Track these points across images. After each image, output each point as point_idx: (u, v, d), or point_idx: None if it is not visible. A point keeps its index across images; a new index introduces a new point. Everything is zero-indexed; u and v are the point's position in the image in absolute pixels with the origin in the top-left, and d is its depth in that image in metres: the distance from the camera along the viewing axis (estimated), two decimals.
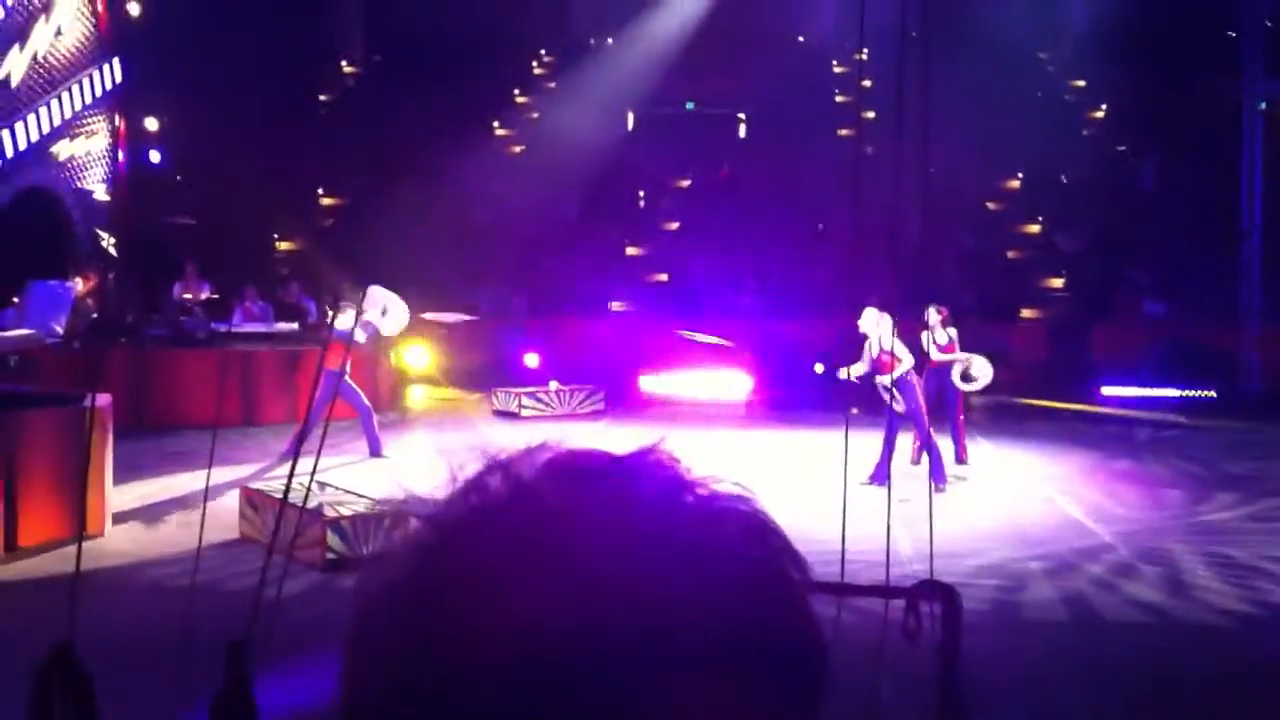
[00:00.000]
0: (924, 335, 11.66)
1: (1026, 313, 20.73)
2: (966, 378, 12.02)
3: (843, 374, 11.00)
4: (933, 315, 11.60)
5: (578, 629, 0.58)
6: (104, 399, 9.40)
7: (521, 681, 0.58)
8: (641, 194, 25.11)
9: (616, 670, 0.58)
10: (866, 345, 11.10)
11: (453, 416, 15.89)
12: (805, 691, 0.64)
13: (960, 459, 12.04)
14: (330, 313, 12.55)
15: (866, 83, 18.31)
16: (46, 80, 17.38)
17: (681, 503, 0.64)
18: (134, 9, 19.27)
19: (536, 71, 28.69)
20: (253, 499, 8.97)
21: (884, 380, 10.74)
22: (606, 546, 0.61)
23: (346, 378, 11.68)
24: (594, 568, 0.60)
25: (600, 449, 0.68)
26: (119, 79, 19.03)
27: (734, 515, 0.65)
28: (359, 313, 11.22)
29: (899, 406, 10.82)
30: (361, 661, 0.63)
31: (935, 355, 11.75)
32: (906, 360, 10.87)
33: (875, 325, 10.90)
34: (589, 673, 0.58)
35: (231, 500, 9.25)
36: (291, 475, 4.86)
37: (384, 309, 12.52)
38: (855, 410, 10.95)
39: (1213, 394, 16.32)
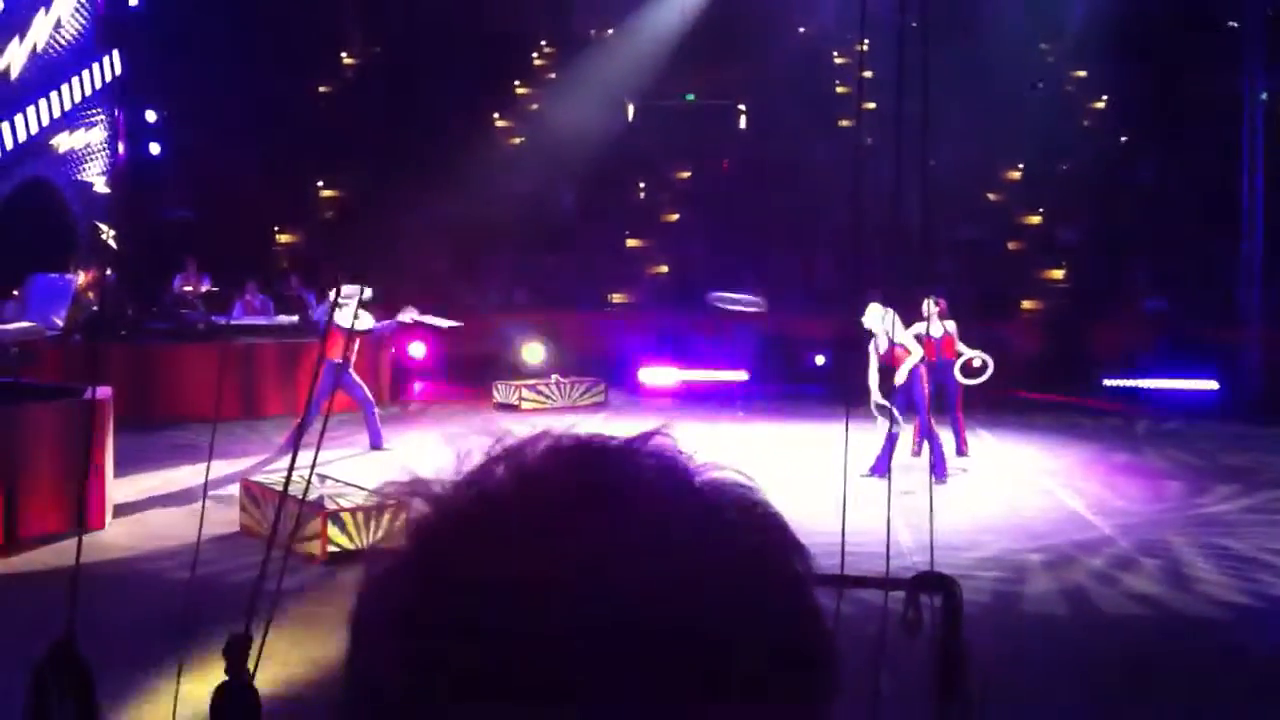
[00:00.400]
0: (920, 327, 11.64)
1: (1026, 304, 20.71)
2: (968, 372, 12.01)
3: (878, 396, 10.88)
4: (929, 307, 11.59)
5: (581, 617, 0.58)
6: (104, 392, 9.40)
7: (525, 668, 0.57)
8: (642, 185, 25.07)
9: (619, 659, 0.58)
10: (872, 344, 11.01)
11: (453, 409, 15.89)
12: (811, 683, 0.63)
13: (960, 451, 12.05)
14: (329, 304, 12.52)
15: (867, 73, 18.27)
16: (46, 72, 17.35)
17: (683, 491, 0.64)
18: (133, 1, 19.24)
19: (537, 63, 28.63)
20: (253, 492, 8.97)
21: (898, 378, 10.76)
22: (608, 535, 0.60)
23: (350, 370, 11.70)
24: (596, 556, 0.59)
25: (601, 436, 0.67)
26: (119, 71, 19.00)
27: (736, 504, 0.65)
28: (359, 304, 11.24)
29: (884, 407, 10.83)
30: (365, 648, 0.63)
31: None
32: (916, 353, 10.84)
33: (880, 320, 10.83)
34: (592, 660, 0.57)
35: (232, 493, 9.25)
36: (292, 468, 4.86)
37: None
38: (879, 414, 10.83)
39: (1215, 385, 16.32)
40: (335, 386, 10.94)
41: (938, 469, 10.47)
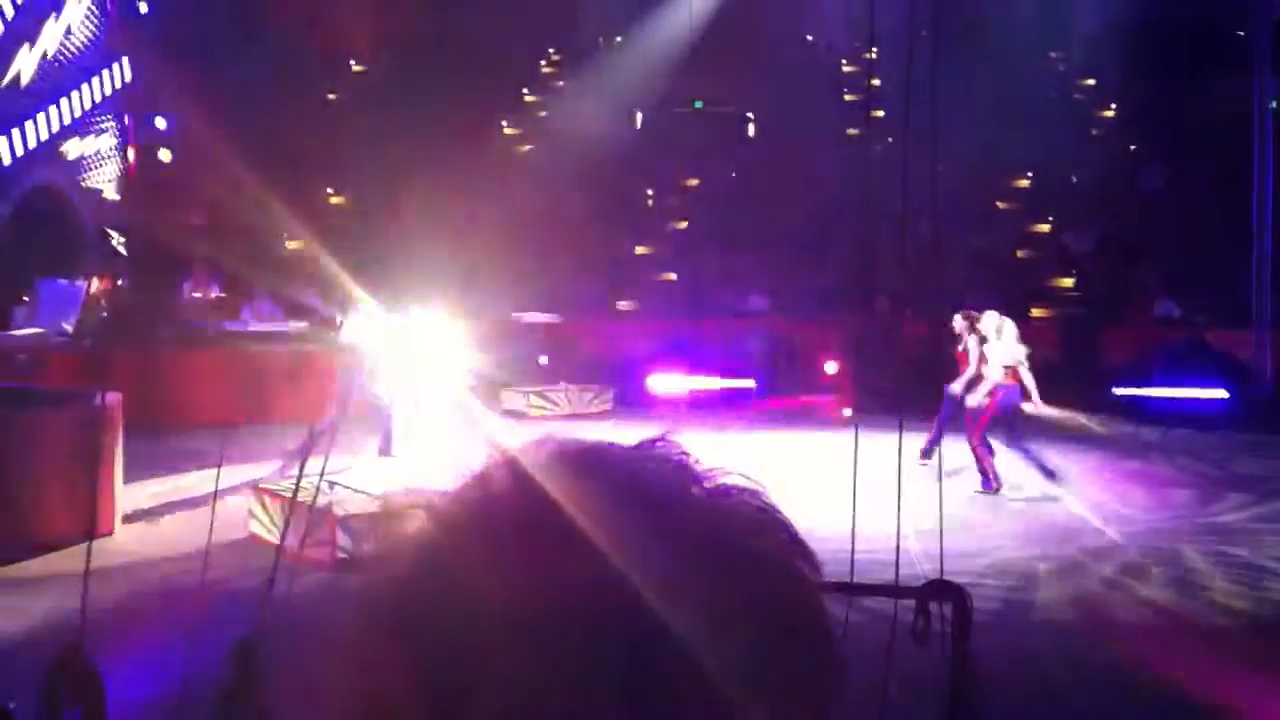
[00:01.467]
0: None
1: (1036, 312, 20.67)
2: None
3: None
4: (986, 321, 11.67)
5: (586, 624, 0.58)
6: (114, 397, 9.41)
7: (528, 676, 0.57)
8: (650, 193, 25.08)
9: (624, 665, 0.57)
10: (977, 346, 11.03)
11: (460, 416, 15.88)
12: (817, 688, 0.63)
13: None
14: (340, 317, 12.56)
15: (875, 82, 18.28)
16: (56, 79, 17.41)
17: (689, 495, 0.64)
18: (143, 8, 19.31)
19: (545, 70, 28.67)
20: (262, 498, 8.98)
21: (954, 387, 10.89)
22: (613, 541, 0.60)
23: (367, 379, 11.80)
24: (601, 563, 0.59)
25: (606, 441, 0.67)
26: (128, 78, 19.06)
27: (743, 508, 0.64)
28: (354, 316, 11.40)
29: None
30: (366, 656, 0.63)
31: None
32: (989, 377, 10.84)
33: (996, 330, 10.88)
34: (597, 667, 0.57)
35: (241, 499, 9.25)
36: (301, 474, 4.87)
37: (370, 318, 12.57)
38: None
39: (1224, 394, 16.26)
40: (353, 393, 11.17)
41: (985, 484, 10.66)
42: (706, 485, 0.65)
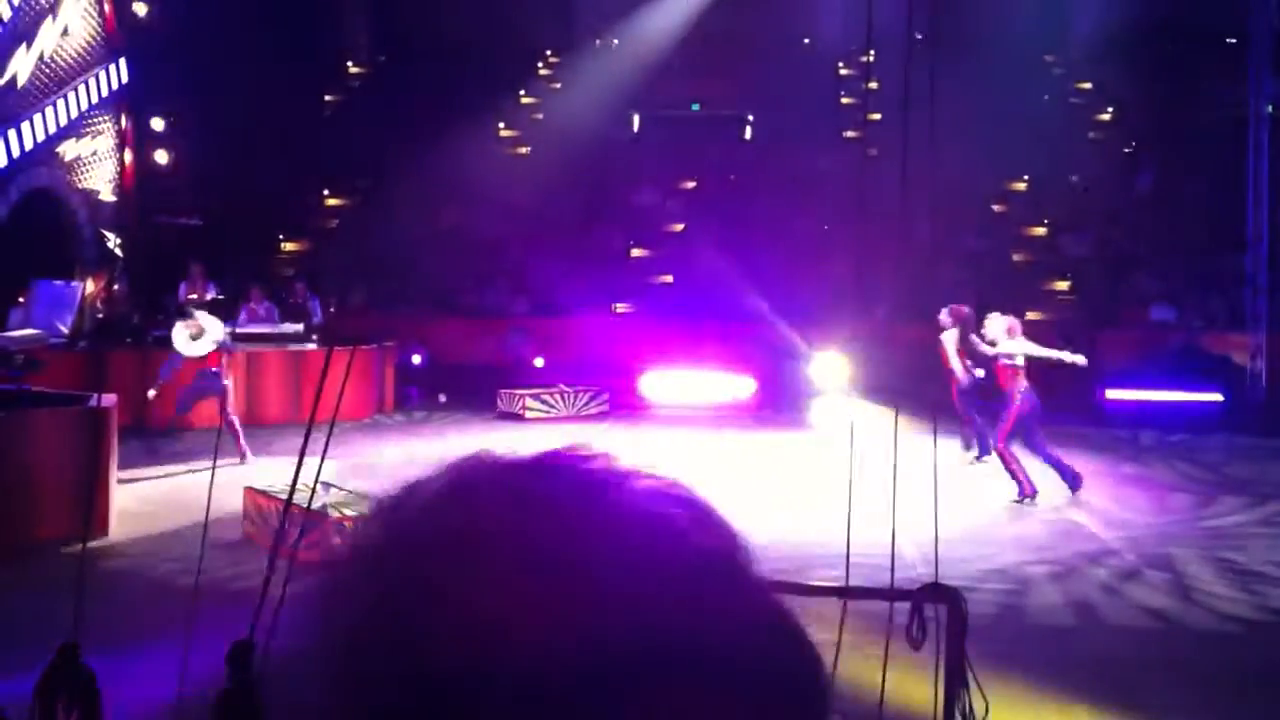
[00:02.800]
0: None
1: (1031, 315, 20.67)
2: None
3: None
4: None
5: (526, 634, 0.56)
6: (109, 399, 9.41)
7: (466, 688, 0.56)
8: (646, 195, 25.07)
9: (568, 676, 0.56)
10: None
11: (454, 420, 15.88)
12: (795, 690, 0.61)
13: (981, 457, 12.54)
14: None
15: (873, 85, 18.31)
16: (53, 80, 17.39)
17: (622, 500, 0.62)
18: (140, 9, 19.29)
19: (541, 72, 28.66)
20: (257, 500, 8.97)
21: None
22: (552, 550, 0.59)
23: (225, 380, 12.21)
24: (537, 570, 0.58)
25: (535, 455, 0.66)
26: (125, 79, 19.04)
27: (678, 504, 0.63)
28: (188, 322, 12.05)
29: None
30: (306, 665, 0.63)
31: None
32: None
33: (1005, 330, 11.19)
34: (539, 680, 0.55)
35: (235, 501, 9.25)
36: (296, 476, 4.86)
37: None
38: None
39: (1220, 398, 16.27)
40: (202, 392, 12.12)
41: (1023, 490, 10.84)
42: (637, 486, 0.63)
